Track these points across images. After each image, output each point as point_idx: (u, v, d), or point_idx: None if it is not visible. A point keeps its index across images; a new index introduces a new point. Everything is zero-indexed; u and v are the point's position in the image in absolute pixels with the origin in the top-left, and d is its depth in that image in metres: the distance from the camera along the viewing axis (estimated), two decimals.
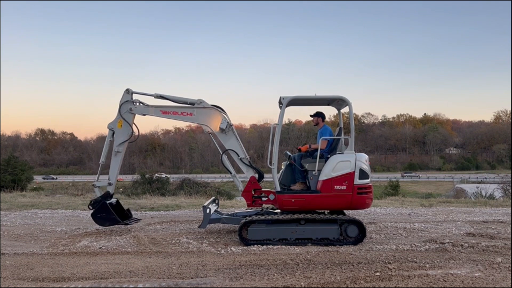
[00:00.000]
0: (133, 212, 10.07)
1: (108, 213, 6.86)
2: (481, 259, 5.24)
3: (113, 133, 7.14)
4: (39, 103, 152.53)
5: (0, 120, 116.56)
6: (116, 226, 7.22)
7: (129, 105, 7.09)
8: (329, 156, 6.57)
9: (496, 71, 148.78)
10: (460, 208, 10.93)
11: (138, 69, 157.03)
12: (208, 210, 6.63)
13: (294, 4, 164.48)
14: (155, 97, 7.13)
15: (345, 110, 7.37)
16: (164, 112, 7.06)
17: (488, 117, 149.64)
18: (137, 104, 7.16)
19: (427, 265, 4.99)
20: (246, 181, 6.88)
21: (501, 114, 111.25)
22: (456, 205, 11.97)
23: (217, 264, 5.17)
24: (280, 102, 6.66)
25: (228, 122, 6.89)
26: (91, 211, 7.00)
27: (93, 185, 7.28)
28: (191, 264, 5.21)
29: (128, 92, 7.11)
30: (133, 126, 7.20)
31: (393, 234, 7.04)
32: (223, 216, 6.96)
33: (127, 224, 7.21)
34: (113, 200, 7.24)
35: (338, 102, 7.01)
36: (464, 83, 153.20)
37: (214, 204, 7.51)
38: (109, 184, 7.15)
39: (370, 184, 6.46)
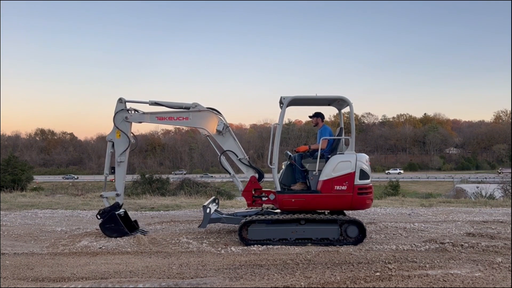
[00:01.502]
0: (133, 212, 10.11)
1: (117, 224, 6.84)
2: (481, 259, 5.24)
3: (113, 145, 7.13)
4: (39, 103, 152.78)
5: (0, 120, 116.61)
6: None
7: (124, 114, 7.07)
8: (329, 156, 6.57)
9: (496, 71, 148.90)
10: (460, 208, 10.93)
11: (137, 70, 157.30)
12: (208, 210, 6.63)
13: (294, 4, 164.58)
14: (149, 104, 7.12)
15: (345, 110, 7.38)
16: (160, 118, 7.07)
17: (488, 117, 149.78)
18: (132, 112, 7.16)
19: (427, 265, 4.99)
20: (246, 181, 6.88)
21: (501, 114, 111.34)
22: (456, 205, 11.97)
23: (217, 264, 5.17)
24: (281, 102, 6.66)
25: (224, 123, 6.90)
26: (99, 221, 6.95)
27: (101, 195, 7.27)
28: (191, 264, 5.21)
29: (121, 101, 7.09)
30: (131, 134, 7.17)
31: (393, 234, 7.04)
32: (223, 216, 6.96)
33: (134, 236, 7.14)
34: (121, 211, 7.22)
35: (339, 102, 7.01)
36: (464, 83, 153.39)
37: (214, 204, 7.51)
38: (117, 195, 7.13)
39: (371, 184, 6.47)
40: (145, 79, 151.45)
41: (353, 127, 6.53)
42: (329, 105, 7.33)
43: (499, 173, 75.29)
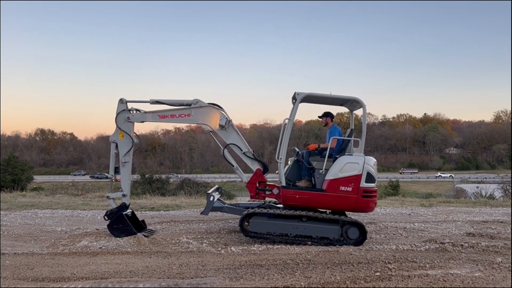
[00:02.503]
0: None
1: (125, 224, 6.84)
2: (481, 259, 5.24)
3: (116, 145, 7.12)
4: (39, 103, 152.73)
5: (0, 120, 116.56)
6: None
7: (125, 115, 7.07)
8: (337, 156, 6.56)
9: (496, 71, 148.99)
10: (460, 208, 10.94)
11: (137, 70, 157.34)
12: (212, 198, 6.67)
13: (294, 4, 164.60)
14: (151, 103, 7.12)
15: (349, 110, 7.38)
16: (162, 116, 7.07)
17: (488, 117, 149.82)
18: (134, 112, 7.15)
19: (427, 265, 4.99)
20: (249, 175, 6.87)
21: (501, 114, 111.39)
22: (456, 205, 11.97)
23: (217, 264, 5.17)
24: (294, 98, 6.63)
25: (227, 118, 6.89)
26: (107, 222, 6.95)
27: (107, 196, 7.27)
28: (191, 264, 5.21)
29: (122, 101, 7.08)
30: (134, 134, 7.16)
31: (393, 234, 7.04)
32: (226, 205, 6.97)
33: (144, 236, 7.07)
34: (129, 212, 7.22)
35: (352, 103, 6.99)
36: (464, 83, 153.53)
37: (217, 193, 7.52)
38: (123, 195, 7.13)
39: (376, 188, 6.45)
40: (146, 79, 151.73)
41: (364, 129, 6.51)
42: (341, 105, 7.31)
43: (401, 173, 76.77)
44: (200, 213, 6.94)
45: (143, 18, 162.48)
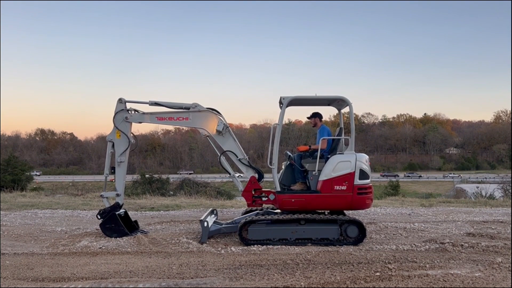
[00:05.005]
0: (133, 212, 10.11)
1: (117, 224, 6.86)
2: (481, 259, 5.24)
3: (113, 145, 7.13)
4: (39, 103, 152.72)
5: (0, 120, 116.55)
6: None
7: (124, 114, 7.08)
8: (329, 156, 6.58)
9: (496, 71, 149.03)
10: (460, 208, 10.94)
11: (137, 70, 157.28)
12: (206, 224, 6.50)
13: (293, 5, 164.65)
14: (149, 105, 7.12)
15: (345, 110, 7.39)
16: (160, 118, 7.08)
17: (488, 117, 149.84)
18: (132, 112, 7.16)
19: (427, 265, 4.99)
20: (246, 181, 6.87)
21: (501, 114, 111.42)
22: (456, 205, 11.97)
23: (217, 264, 5.17)
24: (280, 102, 6.66)
25: (224, 124, 6.91)
26: (100, 221, 6.96)
27: (101, 195, 7.28)
28: (191, 264, 5.21)
29: (121, 101, 7.09)
30: (131, 134, 7.17)
31: (393, 234, 7.04)
32: (223, 226, 6.91)
33: (134, 236, 7.11)
34: (122, 211, 7.22)
35: (339, 102, 7.02)
36: (464, 83, 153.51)
37: (213, 215, 7.43)
38: (117, 195, 7.13)
39: (370, 184, 6.47)
40: (145, 79, 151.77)
41: (352, 127, 6.54)
42: (328, 105, 7.34)
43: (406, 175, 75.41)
44: (199, 242, 6.49)
45: (143, 18, 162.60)
